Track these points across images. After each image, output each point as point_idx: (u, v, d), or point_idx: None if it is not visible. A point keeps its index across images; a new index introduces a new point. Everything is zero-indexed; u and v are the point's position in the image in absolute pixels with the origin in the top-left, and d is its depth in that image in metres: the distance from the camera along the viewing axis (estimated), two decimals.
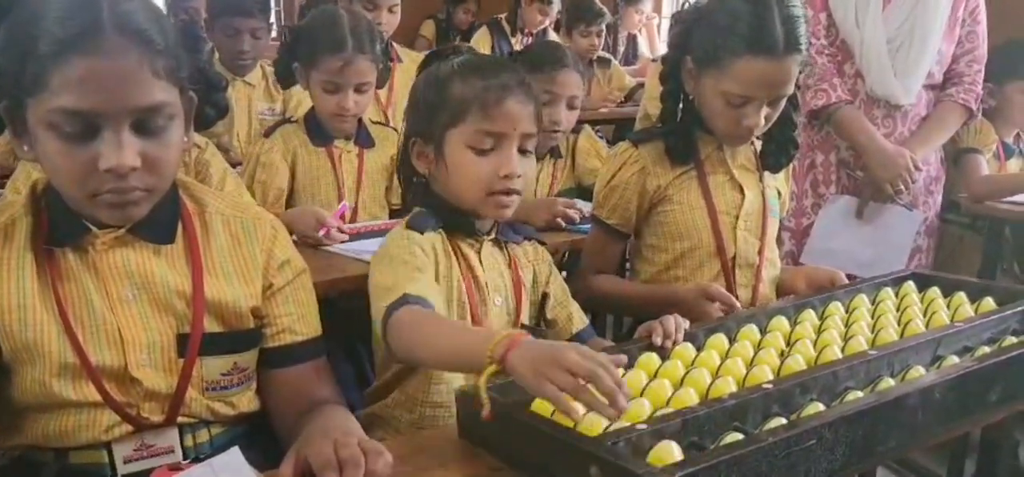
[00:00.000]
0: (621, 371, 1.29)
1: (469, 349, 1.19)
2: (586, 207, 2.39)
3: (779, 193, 2.00)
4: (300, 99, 3.09)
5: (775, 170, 1.94)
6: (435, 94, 1.51)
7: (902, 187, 2.52)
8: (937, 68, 2.61)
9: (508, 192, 1.48)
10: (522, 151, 1.50)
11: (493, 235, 1.58)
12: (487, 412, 1.10)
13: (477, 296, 1.52)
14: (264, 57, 3.27)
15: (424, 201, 1.56)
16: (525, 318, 1.59)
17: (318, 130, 2.39)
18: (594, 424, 1.10)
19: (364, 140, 2.45)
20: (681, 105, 1.87)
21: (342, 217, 2.24)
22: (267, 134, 2.42)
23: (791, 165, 2.01)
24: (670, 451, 1.03)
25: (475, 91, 1.46)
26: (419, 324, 1.30)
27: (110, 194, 1.16)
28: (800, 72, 1.78)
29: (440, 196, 1.54)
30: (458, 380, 1.48)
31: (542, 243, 1.69)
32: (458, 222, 1.53)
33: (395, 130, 2.65)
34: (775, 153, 1.90)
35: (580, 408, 1.05)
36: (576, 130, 2.81)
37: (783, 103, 1.78)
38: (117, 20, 1.12)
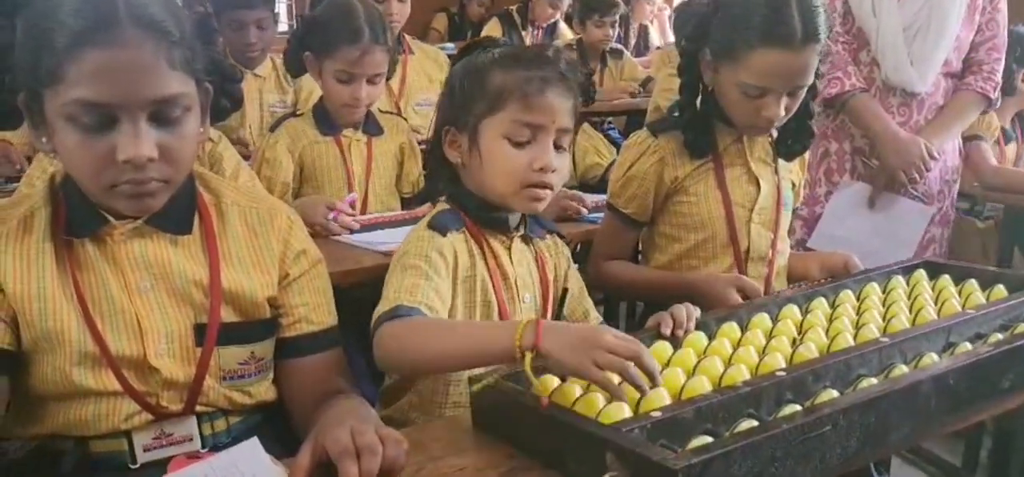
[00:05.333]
0: None
1: (488, 342, 1.20)
2: (591, 199, 2.39)
3: (793, 184, 1.99)
4: (310, 91, 3.10)
5: (789, 158, 1.93)
6: (473, 82, 1.48)
7: (916, 176, 2.50)
8: (955, 56, 2.58)
9: (542, 185, 1.46)
10: (558, 146, 1.48)
11: (522, 231, 1.56)
12: (546, 400, 1.11)
13: (505, 294, 1.51)
14: (273, 50, 3.28)
15: (453, 194, 1.53)
16: (551, 315, 1.59)
17: (326, 120, 2.40)
18: (610, 412, 1.10)
19: (373, 128, 2.45)
20: (700, 97, 1.85)
21: (351, 207, 2.25)
22: (273, 128, 2.44)
23: (805, 154, 2.01)
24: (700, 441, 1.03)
25: (516, 81, 1.44)
26: (415, 331, 1.30)
27: (128, 185, 1.17)
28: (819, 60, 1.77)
29: (470, 189, 1.52)
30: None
31: (562, 237, 1.68)
32: (488, 218, 1.52)
33: (404, 119, 2.67)
34: (790, 141, 1.89)
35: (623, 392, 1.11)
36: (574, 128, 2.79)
37: (803, 93, 1.77)
38: (133, 11, 1.13)
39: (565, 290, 1.63)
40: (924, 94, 2.57)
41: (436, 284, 1.40)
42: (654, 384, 1.13)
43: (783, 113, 1.74)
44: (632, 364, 1.11)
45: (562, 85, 1.46)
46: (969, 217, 3.08)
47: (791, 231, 2.55)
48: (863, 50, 2.58)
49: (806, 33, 1.67)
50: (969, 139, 2.95)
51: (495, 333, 1.21)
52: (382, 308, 1.35)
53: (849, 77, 2.54)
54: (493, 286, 1.50)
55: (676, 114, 1.88)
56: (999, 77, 2.62)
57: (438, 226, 1.47)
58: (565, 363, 1.13)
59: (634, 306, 3.26)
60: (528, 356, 1.13)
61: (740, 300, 1.67)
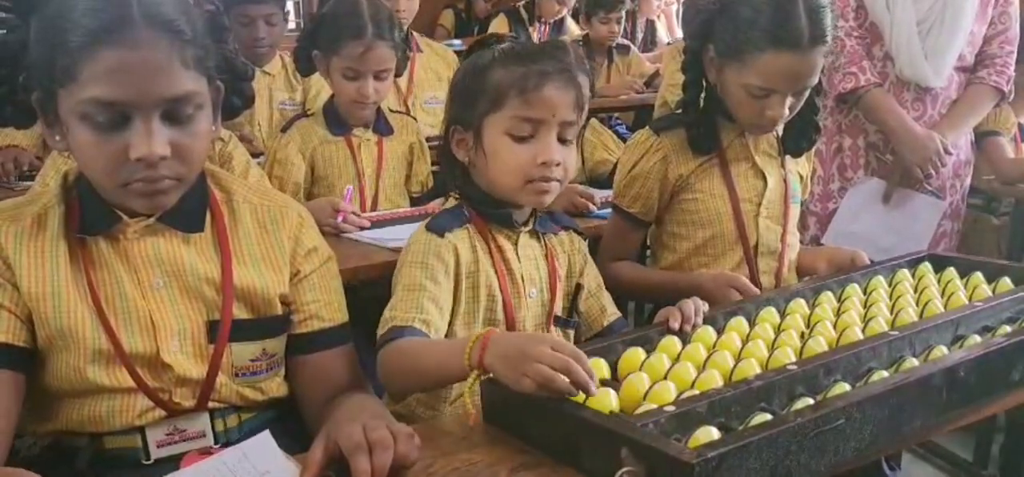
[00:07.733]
0: (643, 355, 1.31)
1: (449, 363, 1.25)
2: (601, 195, 2.39)
3: (801, 177, 1.98)
4: (319, 89, 3.11)
5: (796, 155, 1.93)
6: (475, 81, 1.49)
7: (932, 171, 2.49)
8: (968, 50, 2.56)
9: (546, 179, 1.46)
10: (563, 140, 1.47)
11: (530, 226, 1.57)
12: (473, 419, 1.17)
13: (511, 289, 1.52)
14: (282, 47, 3.28)
15: (463, 190, 1.55)
16: (559, 310, 1.59)
17: (336, 119, 2.41)
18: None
19: (383, 128, 2.46)
20: (703, 94, 1.84)
21: (349, 200, 2.25)
22: (284, 129, 2.45)
23: (813, 147, 2.00)
24: (708, 435, 1.03)
25: (515, 77, 1.44)
26: (401, 357, 1.35)
27: (141, 183, 1.18)
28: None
29: (479, 186, 1.52)
30: None
31: (579, 233, 1.68)
32: (495, 213, 1.52)
33: (414, 119, 2.67)
34: (796, 137, 1.88)
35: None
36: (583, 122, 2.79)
37: (808, 92, 1.76)
38: (146, 11, 1.14)
39: (579, 286, 1.63)
40: (938, 89, 2.56)
41: (431, 292, 1.42)
42: (587, 394, 1.12)
43: (787, 113, 1.74)
44: (561, 377, 1.10)
45: (563, 78, 1.45)
46: (985, 214, 3.07)
47: (805, 228, 2.55)
48: (876, 45, 2.57)
49: (813, 35, 1.66)
50: (986, 134, 2.93)
51: (451, 356, 1.24)
52: (380, 330, 1.39)
53: (863, 72, 2.52)
54: (498, 281, 1.51)
55: (679, 111, 1.88)
56: (1012, 70, 2.61)
57: (435, 228, 1.49)
58: (504, 378, 1.15)
59: (642, 305, 3.26)
60: (470, 377, 1.18)
61: (738, 297, 1.66)
